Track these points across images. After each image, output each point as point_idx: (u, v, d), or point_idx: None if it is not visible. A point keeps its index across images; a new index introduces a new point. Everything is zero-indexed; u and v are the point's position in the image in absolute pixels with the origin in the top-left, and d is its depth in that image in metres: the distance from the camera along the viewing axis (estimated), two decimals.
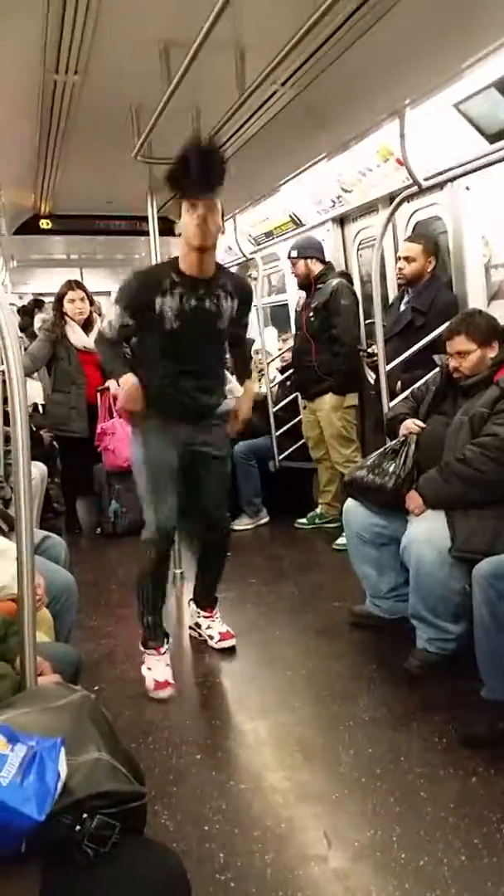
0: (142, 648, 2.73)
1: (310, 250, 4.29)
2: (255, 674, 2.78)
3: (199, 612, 3.04)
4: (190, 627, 3.11)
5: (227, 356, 2.92)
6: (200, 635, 3.03)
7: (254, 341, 2.89)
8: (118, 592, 3.73)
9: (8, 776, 0.93)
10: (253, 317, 2.83)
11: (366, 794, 1.99)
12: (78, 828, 0.99)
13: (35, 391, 4.92)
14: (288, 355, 5.04)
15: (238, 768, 2.18)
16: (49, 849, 0.99)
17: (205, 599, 3.03)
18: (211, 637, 2.97)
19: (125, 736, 1.98)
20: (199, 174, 2.33)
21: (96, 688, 2.61)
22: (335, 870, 1.73)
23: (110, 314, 2.67)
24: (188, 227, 2.45)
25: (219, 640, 2.95)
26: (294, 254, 4.34)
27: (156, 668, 2.66)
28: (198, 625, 3.05)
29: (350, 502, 2.95)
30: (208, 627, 3.00)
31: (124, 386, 2.60)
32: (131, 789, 1.10)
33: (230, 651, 2.93)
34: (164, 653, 2.72)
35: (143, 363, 2.65)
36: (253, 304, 2.82)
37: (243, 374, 2.99)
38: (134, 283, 2.57)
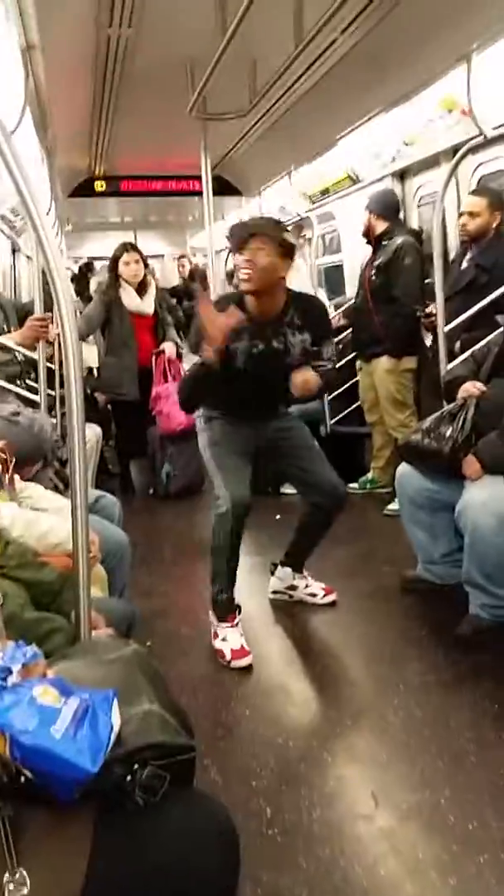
0: (214, 622, 2.70)
1: (374, 205, 4.08)
2: (306, 635, 2.79)
3: (294, 575, 3.05)
4: (275, 592, 3.09)
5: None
6: (292, 597, 3.04)
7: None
8: (170, 551, 3.80)
9: (61, 729, 0.95)
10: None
11: (414, 757, 1.99)
12: (129, 778, 1.01)
13: (91, 354, 4.97)
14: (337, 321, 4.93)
15: (287, 726, 2.21)
16: (102, 796, 1.02)
17: (300, 562, 3.06)
18: (314, 594, 3.02)
19: (176, 690, 2.02)
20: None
21: (148, 643, 2.66)
22: (382, 828, 1.74)
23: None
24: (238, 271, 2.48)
25: (324, 596, 3.00)
26: (366, 203, 4.18)
27: (231, 639, 2.65)
28: (293, 587, 3.05)
29: (404, 467, 2.90)
30: (307, 586, 3.04)
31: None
32: (181, 742, 1.12)
33: (330, 605, 2.99)
34: (237, 623, 2.70)
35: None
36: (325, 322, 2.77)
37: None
38: None
